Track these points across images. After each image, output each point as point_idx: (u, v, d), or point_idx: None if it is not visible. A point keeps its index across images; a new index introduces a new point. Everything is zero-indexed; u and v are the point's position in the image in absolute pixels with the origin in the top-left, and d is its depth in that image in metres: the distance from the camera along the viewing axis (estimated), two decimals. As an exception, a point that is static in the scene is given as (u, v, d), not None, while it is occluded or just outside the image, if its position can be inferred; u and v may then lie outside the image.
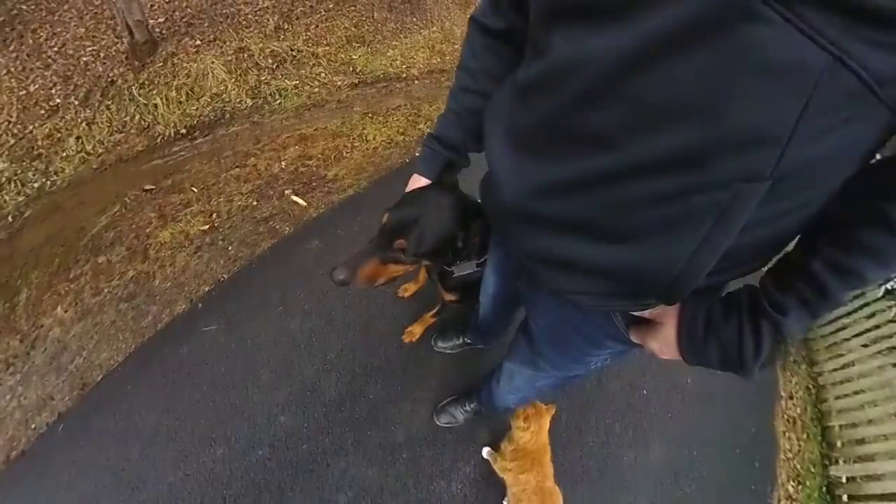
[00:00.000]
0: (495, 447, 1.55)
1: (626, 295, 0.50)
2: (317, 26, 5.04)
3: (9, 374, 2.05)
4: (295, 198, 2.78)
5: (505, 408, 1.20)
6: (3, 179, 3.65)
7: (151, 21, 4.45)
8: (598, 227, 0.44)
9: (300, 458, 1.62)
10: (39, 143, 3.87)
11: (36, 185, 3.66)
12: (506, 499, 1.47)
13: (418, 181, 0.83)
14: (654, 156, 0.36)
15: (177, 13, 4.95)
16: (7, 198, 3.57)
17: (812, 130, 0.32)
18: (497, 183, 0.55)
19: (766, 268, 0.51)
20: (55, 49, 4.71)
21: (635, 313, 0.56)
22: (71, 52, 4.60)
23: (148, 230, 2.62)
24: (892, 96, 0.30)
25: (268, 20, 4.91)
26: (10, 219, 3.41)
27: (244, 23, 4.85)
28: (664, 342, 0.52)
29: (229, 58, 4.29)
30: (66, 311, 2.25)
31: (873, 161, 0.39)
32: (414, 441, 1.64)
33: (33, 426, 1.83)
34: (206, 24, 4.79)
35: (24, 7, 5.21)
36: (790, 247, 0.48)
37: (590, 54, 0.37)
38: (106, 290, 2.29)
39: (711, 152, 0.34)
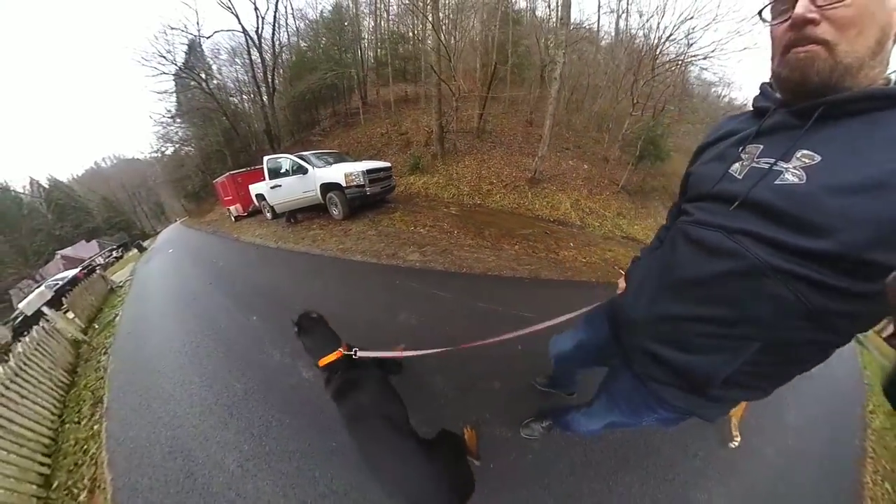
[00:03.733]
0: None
1: (676, 384, 0.69)
2: (605, 200, 7.79)
3: (482, 251, 4.34)
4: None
5: (586, 433, 1.19)
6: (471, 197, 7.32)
7: (543, 171, 8.09)
8: (676, 341, 0.65)
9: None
10: (483, 193, 7.53)
11: (478, 202, 7.12)
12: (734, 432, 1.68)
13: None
14: (706, 316, 0.58)
15: (552, 172, 8.68)
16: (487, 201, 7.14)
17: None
18: (629, 305, 0.79)
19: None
20: (494, 164, 8.98)
21: None
22: (500, 170, 8.64)
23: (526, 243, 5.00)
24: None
25: (582, 191, 7.98)
26: (491, 209, 6.72)
27: (575, 188, 8.06)
28: None
29: (571, 200, 7.25)
30: (510, 247, 4.53)
31: None
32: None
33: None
34: (560, 184, 8.14)
35: (477, 145, 10.20)
36: None
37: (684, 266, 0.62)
38: (524, 249, 4.51)
39: (735, 322, 0.54)
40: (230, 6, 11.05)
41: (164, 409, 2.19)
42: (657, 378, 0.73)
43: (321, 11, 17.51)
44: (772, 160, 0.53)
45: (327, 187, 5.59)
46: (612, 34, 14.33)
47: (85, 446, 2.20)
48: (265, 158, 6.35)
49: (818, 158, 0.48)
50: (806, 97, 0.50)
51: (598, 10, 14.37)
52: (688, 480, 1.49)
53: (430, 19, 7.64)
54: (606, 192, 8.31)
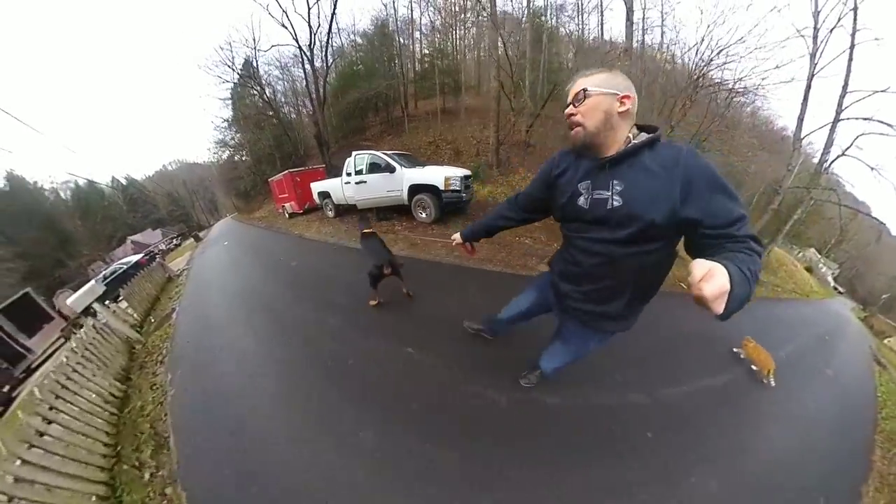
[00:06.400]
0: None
1: (603, 319, 1.00)
2: None
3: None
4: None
5: (548, 369, 1.37)
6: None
7: None
8: (592, 301, 0.99)
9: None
10: None
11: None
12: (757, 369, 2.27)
13: (458, 237, 1.40)
14: (600, 287, 0.94)
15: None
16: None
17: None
18: (561, 282, 1.07)
19: None
20: None
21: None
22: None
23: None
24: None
25: None
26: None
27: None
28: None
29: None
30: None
31: None
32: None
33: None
34: None
35: (526, 158, 9.29)
36: None
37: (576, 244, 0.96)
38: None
39: (615, 286, 0.92)
40: (289, 27, 10.83)
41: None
42: (591, 322, 1.05)
43: (362, 30, 17.47)
44: (603, 192, 0.84)
45: (417, 189, 4.77)
46: (637, 47, 13.20)
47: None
48: (354, 153, 5.56)
49: (622, 186, 0.81)
50: (585, 152, 0.89)
51: (626, 24, 13.26)
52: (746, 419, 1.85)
53: (500, 35, 6.87)
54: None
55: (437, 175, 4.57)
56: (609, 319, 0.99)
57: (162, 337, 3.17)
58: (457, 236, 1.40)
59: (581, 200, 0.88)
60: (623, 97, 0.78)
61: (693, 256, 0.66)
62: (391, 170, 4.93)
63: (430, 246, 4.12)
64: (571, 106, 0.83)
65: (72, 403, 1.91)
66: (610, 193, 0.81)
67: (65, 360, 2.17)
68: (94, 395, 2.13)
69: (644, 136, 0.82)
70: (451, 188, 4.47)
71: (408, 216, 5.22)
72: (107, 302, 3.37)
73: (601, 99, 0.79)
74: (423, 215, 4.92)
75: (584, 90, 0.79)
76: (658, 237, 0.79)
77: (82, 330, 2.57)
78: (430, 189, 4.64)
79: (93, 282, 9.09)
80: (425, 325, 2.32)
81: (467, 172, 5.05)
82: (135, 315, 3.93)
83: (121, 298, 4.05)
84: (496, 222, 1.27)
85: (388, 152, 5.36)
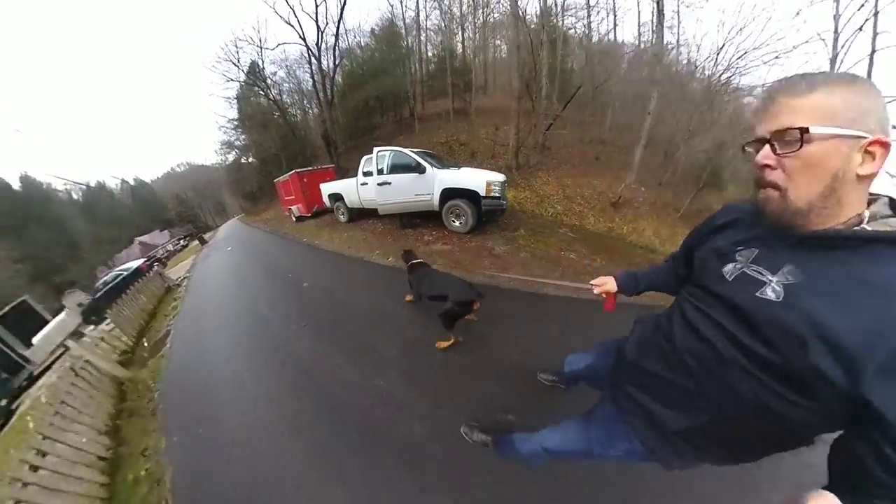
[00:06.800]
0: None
1: (646, 425, 0.70)
2: (673, 228, 6.10)
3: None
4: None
5: (525, 454, 1.07)
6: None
7: (623, 197, 6.51)
8: (650, 391, 0.69)
9: None
10: (577, 214, 6.02)
11: (574, 222, 5.67)
12: None
13: (611, 282, 1.03)
14: (674, 381, 0.63)
15: (624, 195, 7.14)
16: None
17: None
18: (630, 347, 0.79)
19: None
20: (571, 183, 7.45)
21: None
22: (581, 190, 7.11)
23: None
24: None
25: (654, 217, 6.37)
26: (593, 233, 5.42)
27: (649, 214, 6.51)
28: None
29: (653, 228, 5.79)
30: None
31: None
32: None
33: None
34: (634, 208, 6.58)
35: (544, 161, 8.74)
36: None
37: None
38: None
39: (695, 394, 0.59)
40: (296, 25, 10.43)
41: None
42: (631, 417, 0.74)
43: (371, 29, 17.03)
44: (764, 273, 0.52)
45: (451, 193, 4.21)
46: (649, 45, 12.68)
47: None
48: (375, 150, 4.84)
49: (798, 279, 0.47)
50: (773, 223, 0.51)
51: (657, 28, 12.68)
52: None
53: (525, 25, 6.44)
54: (669, 220, 6.97)
55: (477, 179, 4.00)
56: (652, 429, 0.68)
57: (154, 373, 2.68)
58: (609, 281, 1.02)
59: (727, 268, 0.58)
60: (873, 143, 0.41)
61: (832, 452, 0.46)
62: (421, 170, 4.29)
63: (476, 264, 3.39)
64: (768, 148, 0.47)
65: (46, 489, 1.47)
66: (772, 279, 0.50)
67: (32, 425, 1.68)
68: (76, 466, 1.68)
69: (891, 220, 0.44)
70: (493, 195, 3.95)
71: (435, 223, 4.64)
72: (91, 327, 2.88)
73: (833, 148, 0.42)
74: (458, 224, 4.36)
75: (804, 130, 0.42)
76: (804, 387, 0.44)
77: (55, 378, 2.09)
78: (465, 194, 4.10)
79: (63, 314, 7.00)
80: (510, 378, 1.71)
81: (504, 178, 4.49)
82: (124, 339, 3.44)
83: (108, 322, 3.54)
84: (662, 277, 0.94)
85: (415, 150, 4.73)
